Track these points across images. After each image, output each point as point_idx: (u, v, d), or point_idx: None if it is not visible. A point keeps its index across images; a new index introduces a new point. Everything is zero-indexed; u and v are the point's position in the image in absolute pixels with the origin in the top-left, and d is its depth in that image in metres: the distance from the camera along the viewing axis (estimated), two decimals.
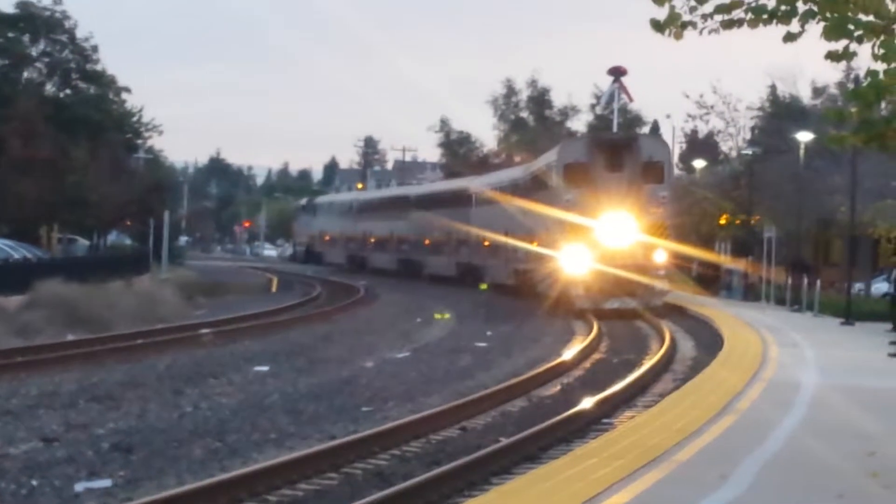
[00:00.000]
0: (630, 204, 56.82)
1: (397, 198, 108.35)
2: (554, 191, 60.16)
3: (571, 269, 57.12)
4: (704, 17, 14.74)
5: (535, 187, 65.65)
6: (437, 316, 56.14)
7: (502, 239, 71.61)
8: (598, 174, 57.91)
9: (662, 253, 57.64)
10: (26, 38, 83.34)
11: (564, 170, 59.54)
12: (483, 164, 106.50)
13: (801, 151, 60.26)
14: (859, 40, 15.12)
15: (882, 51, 14.95)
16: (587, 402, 27.52)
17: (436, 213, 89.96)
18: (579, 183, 58.02)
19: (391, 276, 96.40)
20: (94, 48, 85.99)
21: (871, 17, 14.94)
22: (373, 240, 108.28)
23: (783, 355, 33.46)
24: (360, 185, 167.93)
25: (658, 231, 57.18)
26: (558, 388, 32.68)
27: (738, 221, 73.75)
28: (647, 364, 36.00)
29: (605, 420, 25.64)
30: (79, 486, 19.49)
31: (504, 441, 22.68)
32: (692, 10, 14.63)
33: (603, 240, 56.33)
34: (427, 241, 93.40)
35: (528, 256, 66.29)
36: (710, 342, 41.19)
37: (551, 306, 57.73)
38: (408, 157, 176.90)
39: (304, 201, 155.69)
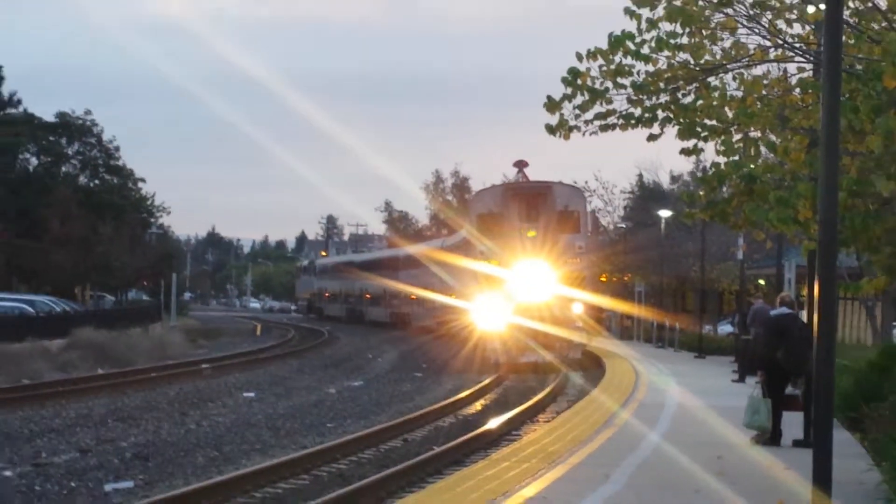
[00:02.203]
0: (545, 255, 44.10)
1: (387, 258, 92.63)
2: (469, 243, 47.50)
3: (486, 323, 45.28)
4: (586, 122, 14.87)
5: (464, 246, 50.20)
6: None
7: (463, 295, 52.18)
8: (512, 224, 44.80)
9: (579, 305, 44.66)
10: (64, 140, 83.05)
11: (478, 220, 46.18)
12: (418, 237, 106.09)
13: (662, 225, 60.64)
14: (705, 139, 15.29)
15: (722, 147, 15.12)
16: (500, 419, 27.55)
17: (417, 272, 74.42)
18: (493, 234, 44.49)
19: (379, 327, 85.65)
20: (117, 148, 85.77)
21: (713, 122, 15.11)
22: (368, 296, 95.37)
23: (651, 381, 33.55)
24: (323, 253, 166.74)
25: (575, 283, 44.49)
26: (479, 407, 32.72)
27: (615, 279, 73.96)
28: (546, 389, 35.51)
29: (514, 432, 25.64)
30: (107, 487, 19.38)
31: (437, 449, 22.65)
32: (576, 117, 14.76)
33: (518, 293, 43.74)
34: (413, 297, 76.67)
35: (459, 311, 51.03)
36: (595, 371, 41.20)
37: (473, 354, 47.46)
38: (360, 231, 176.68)
39: (305, 263, 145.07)
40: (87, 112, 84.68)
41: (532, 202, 45.92)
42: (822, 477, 8.47)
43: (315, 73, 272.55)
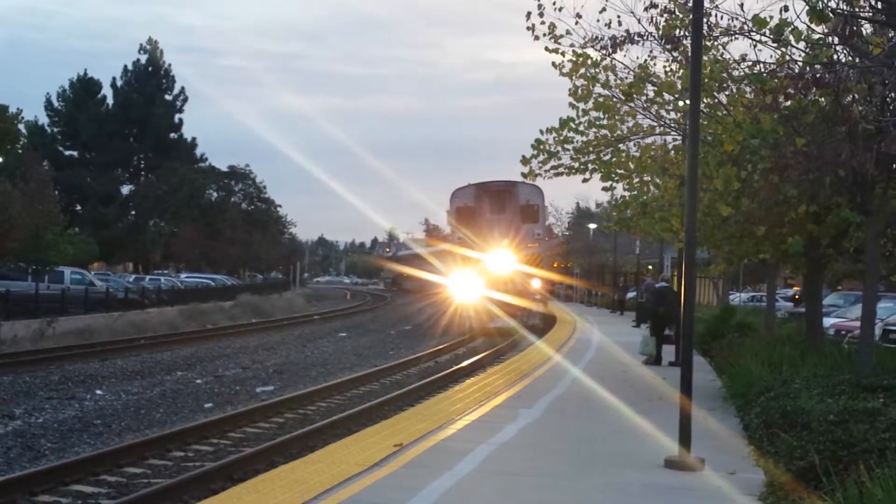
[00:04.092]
0: (510, 240, 35.18)
1: (441, 251, 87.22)
2: (450, 232, 38.75)
3: (463, 295, 36.44)
4: (545, 171, 14.89)
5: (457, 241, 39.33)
6: None
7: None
8: (484, 216, 35.68)
9: (537, 281, 35.91)
10: (232, 182, 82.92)
11: (456, 213, 36.48)
12: (446, 241, 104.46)
13: (591, 232, 60.43)
14: (617, 181, 15.26)
15: (627, 186, 15.13)
16: (493, 350, 27.47)
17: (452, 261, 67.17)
18: (468, 224, 35.25)
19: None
20: (264, 186, 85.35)
21: (622, 171, 15.11)
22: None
23: (583, 326, 33.44)
24: (388, 250, 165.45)
25: (534, 263, 35.77)
26: (480, 342, 32.62)
27: (561, 264, 73.76)
28: (517, 332, 34.12)
29: (499, 359, 25.58)
30: (258, 389, 19.44)
31: (454, 367, 22.63)
32: (540, 168, 14.79)
33: (488, 271, 34.87)
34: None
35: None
36: (549, 321, 40.95)
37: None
38: (410, 237, 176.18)
39: (389, 254, 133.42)
40: (247, 165, 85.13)
41: (500, 197, 36.46)
42: (685, 384, 8.49)
43: (381, 139, 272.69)
